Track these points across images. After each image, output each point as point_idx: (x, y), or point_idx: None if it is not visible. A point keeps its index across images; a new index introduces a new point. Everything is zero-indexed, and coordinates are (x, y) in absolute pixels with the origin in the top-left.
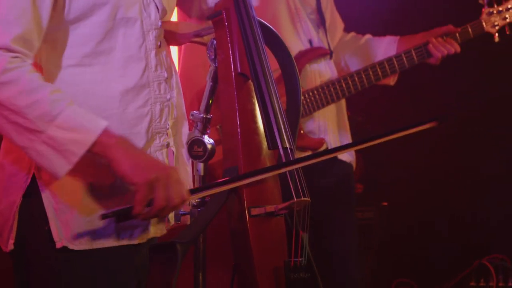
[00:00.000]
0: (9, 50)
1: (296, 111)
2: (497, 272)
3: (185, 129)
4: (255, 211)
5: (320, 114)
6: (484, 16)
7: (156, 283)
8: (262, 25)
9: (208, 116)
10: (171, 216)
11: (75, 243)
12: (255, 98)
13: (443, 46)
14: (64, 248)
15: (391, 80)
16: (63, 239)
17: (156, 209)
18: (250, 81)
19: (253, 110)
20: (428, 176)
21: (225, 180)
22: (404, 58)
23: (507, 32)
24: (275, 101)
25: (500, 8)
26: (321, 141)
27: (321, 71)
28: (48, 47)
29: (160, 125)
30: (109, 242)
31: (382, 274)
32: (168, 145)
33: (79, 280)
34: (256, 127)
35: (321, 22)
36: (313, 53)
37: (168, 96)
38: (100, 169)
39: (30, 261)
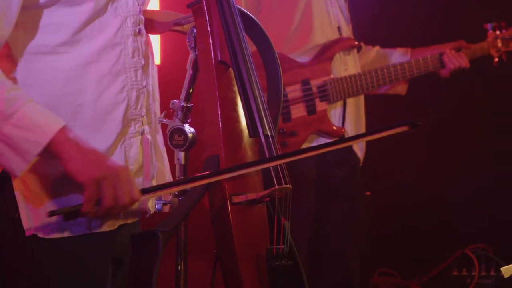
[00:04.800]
0: None
1: (277, 100)
2: (479, 262)
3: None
4: (237, 199)
5: (339, 103)
6: (490, 39)
7: (138, 272)
8: (242, 13)
9: (188, 105)
10: (151, 204)
11: (45, 232)
12: (236, 86)
13: (456, 59)
14: (34, 236)
15: (403, 90)
16: (33, 228)
17: (105, 207)
18: (230, 69)
19: (234, 98)
20: (411, 167)
21: (183, 180)
22: (422, 63)
23: (504, 59)
24: (256, 88)
25: (506, 36)
26: (341, 130)
27: (348, 63)
28: (26, 33)
29: (136, 112)
30: (80, 230)
31: (364, 263)
32: (143, 132)
33: (50, 269)
34: (237, 115)
35: (348, 20)
36: (345, 43)
37: (144, 83)
38: None
39: (2, 247)
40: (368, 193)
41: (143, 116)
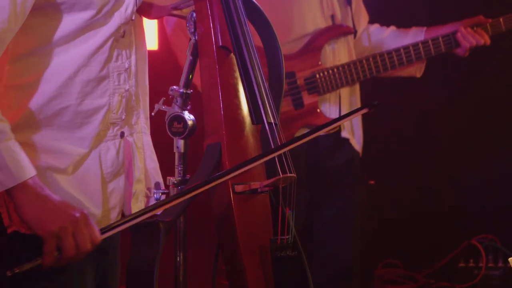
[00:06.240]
0: None
1: (279, 87)
2: (486, 253)
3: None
4: (239, 188)
5: (333, 95)
6: None
7: (140, 262)
8: None
9: (188, 91)
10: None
11: (26, 227)
12: (238, 72)
13: (472, 36)
14: (16, 233)
15: (417, 72)
16: (13, 224)
17: (66, 258)
18: (232, 54)
19: (236, 84)
20: (416, 156)
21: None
22: (431, 45)
23: None
24: (259, 75)
25: None
26: None
27: (340, 51)
28: (19, 32)
29: (116, 116)
30: None
31: (369, 254)
32: (123, 135)
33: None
34: (239, 102)
35: (347, 1)
36: (335, 31)
37: (127, 87)
38: (54, 154)
39: None
40: (372, 182)
41: (123, 120)
